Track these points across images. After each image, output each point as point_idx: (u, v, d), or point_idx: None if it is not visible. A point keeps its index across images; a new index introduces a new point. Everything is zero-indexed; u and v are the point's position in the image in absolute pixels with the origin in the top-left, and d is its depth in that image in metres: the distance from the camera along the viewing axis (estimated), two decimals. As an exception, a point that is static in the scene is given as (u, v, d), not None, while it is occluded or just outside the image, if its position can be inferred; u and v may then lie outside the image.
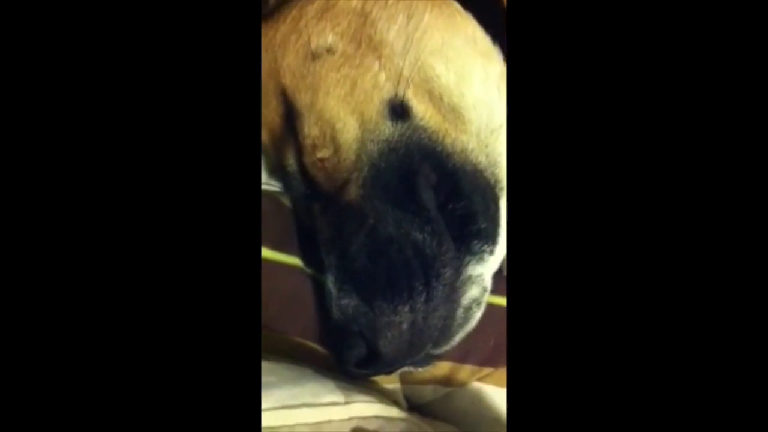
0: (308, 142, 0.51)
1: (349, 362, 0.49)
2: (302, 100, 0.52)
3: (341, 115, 0.51)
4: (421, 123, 0.51)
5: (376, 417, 0.48)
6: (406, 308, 0.48)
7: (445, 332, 0.50)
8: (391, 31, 0.52)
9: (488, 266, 0.51)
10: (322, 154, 0.51)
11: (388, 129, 0.51)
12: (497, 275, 0.53)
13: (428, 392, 0.58)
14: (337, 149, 0.51)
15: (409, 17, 0.52)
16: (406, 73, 0.51)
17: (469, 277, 0.50)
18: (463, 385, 0.58)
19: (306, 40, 0.52)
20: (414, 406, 0.58)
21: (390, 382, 0.57)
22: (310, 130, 0.51)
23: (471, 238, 0.50)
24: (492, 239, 0.51)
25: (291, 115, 0.52)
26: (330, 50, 0.52)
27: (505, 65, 0.54)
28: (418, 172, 0.51)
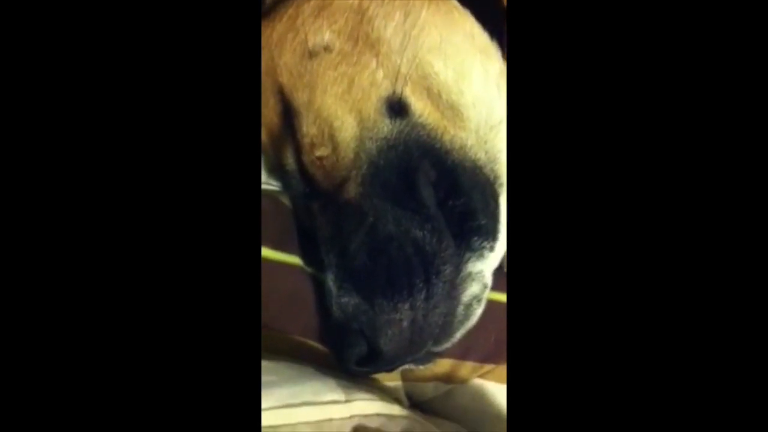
0: (306, 140, 0.51)
1: (349, 360, 0.49)
2: (300, 98, 0.51)
3: (339, 113, 0.51)
4: (420, 120, 0.51)
5: (378, 415, 0.48)
6: (407, 306, 0.48)
7: (446, 329, 0.50)
8: (389, 29, 0.51)
9: (488, 263, 0.51)
10: (321, 152, 0.51)
11: (386, 126, 0.51)
12: (498, 272, 0.53)
13: (429, 389, 0.58)
14: (335, 147, 0.51)
15: (407, 14, 0.52)
16: (403, 70, 0.51)
17: (469, 273, 0.50)
18: (464, 382, 0.58)
19: (303, 38, 0.52)
20: (415, 404, 0.58)
21: (391, 380, 0.57)
22: (308, 128, 0.51)
23: (471, 234, 0.50)
24: (492, 236, 0.51)
25: (289, 114, 0.52)
26: (327, 48, 0.51)
27: (504, 61, 0.53)
28: (417, 169, 0.51)
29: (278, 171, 0.55)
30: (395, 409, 0.50)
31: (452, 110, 0.51)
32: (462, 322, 0.51)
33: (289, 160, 0.53)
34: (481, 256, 0.51)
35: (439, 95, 0.51)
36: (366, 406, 0.48)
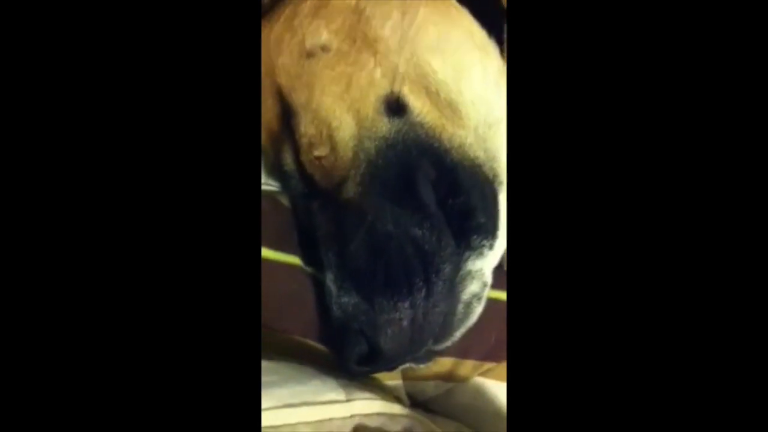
0: (305, 140, 0.51)
1: (350, 360, 0.49)
2: (298, 99, 0.51)
3: (337, 113, 0.51)
4: (418, 119, 0.51)
5: (378, 414, 0.48)
6: (406, 305, 0.48)
7: (446, 328, 0.50)
8: (386, 28, 0.51)
9: (488, 261, 0.51)
10: (319, 152, 0.51)
11: (384, 126, 0.51)
12: (497, 270, 0.53)
13: (430, 388, 0.58)
14: (333, 147, 0.51)
15: (404, 13, 0.52)
16: (401, 69, 0.51)
17: (469, 272, 0.50)
18: (465, 380, 0.58)
19: (300, 38, 0.52)
20: (416, 403, 0.58)
21: (391, 379, 0.57)
22: (307, 128, 0.51)
23: (470, 233, 0.50)
24: (491, 234, 0.51)
25: (287, 115, 0.52)
26: (325, 48, 0.51)
27: (503, 59, 0.53)
28: (416, 168, 0.51)
29: (277, 171, 0.55)
30: (396, 408, 0.50)
31: (451, 108, 0.51)
32: (462, 321, 0.51)
33: (288, 161, 0.53)
34: (481, 254, 0.51)
35: (438, 94, 0.51)
36: (366, 405, 0.48)
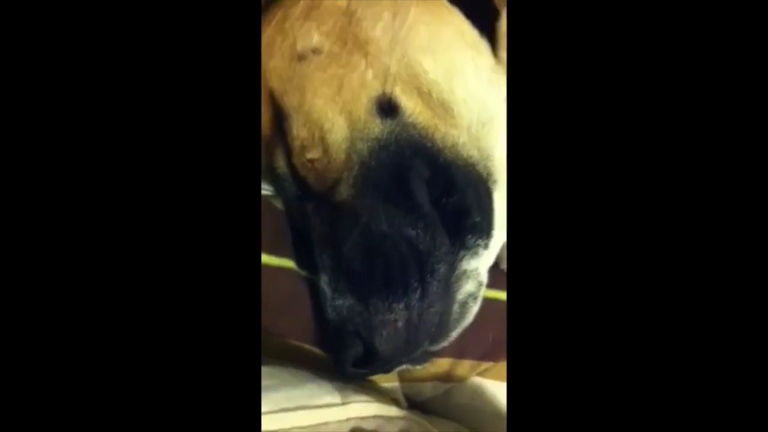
0: (297, 143, 0.51)
1: (346, 362, 0.49)
2: (290, 101, 0.51)
3: (329, 115, 0.51)
4: (411, 119, 0.51)
5: (375, 416, 0.48)
6: (401, 305, 0.48)
7: (442, 328, 0.50)
8: (377, 29, 0.51)
9: (483, 260, 0.51)
10: (312, 154, 0.51)
11: (377, 127, 0.51)
12: (493, 269, 0.53)
13: (428, 389, 0.58)
14: (326, 149, 0.51)
15: (395, 14, 0.52)
16: (393, 70, 0.51)
17: (464, 271, 0.50)
18: (462, 380, 0.58)
19: (292, 41, 0.52)
20: (414, 404, 0.58)
21: (388, 381, 0.57)
22: (299, 131, 0.51)
23: (465, 232, 0.50)
24: (486, 233, 0.51)
25: (279, 118, 0.52)
26: (316, 50, 0.51)
27: (495, 57, 0.53)
28: (409, 168, 0.51)
29: (270, 174, 0.55)
30: (393, 411, 0.50)
31: (443, 108, 0.51)
32: (458, 321, 0.51)
33: (281, 164, 0.53)
34: (476, 253, 0.51)
35: (430, 94, 0.51)
36: (363, 408, 0.48)
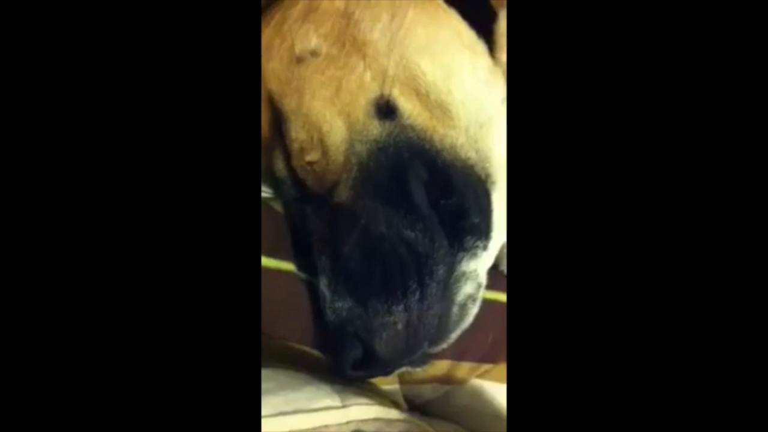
0: (296, 145, 0.51)
1: (345, 365, 0.49)
2: (288, 104, 0.51)
3: (328, 117, 0.51)
4: (409, 121, 0.51)
5: (375, 419, 0.48)
6: (401, 308, 0.48)
7: (441, 330, 0.50)
8: (375, 31, 0.51)
9: (482, 262, 0.51)
10: (311, 157, 0.51)
11: (375, 129, 0.51)
12: (492, 270, 0.53)
13: (428, 391, 0.58)
14: (325, 151, 0.51)
15: (393, 16, 0.52)
16: (391, 72, 0.51)
17: (463, 273, 0.50)
18: (462, 382, 0.57)
19: (290, 43, 0.52)
20: (415, 406, 0.58)
21: (388, 384, 0.56)
22: (297, 133, 0.51)
23: (464, 234, 0.50)
24: (485, 234, 0.51)
25: (278, 120, 0.52)
26: (314, 53, 0.51)
27: (493, 58, 0.53)
28: (408, 170, 0.51)
29: (269, 177, 0.55)
30: (393, 413, 0.50)
31: (441, 109, 0.51)
32: (457, 323, 0.51)
33: (280, 166, 0.53)
34: (475, 255, 0.51)
35: (428, 95, 0.51)
36: (363, 410, 0.48)
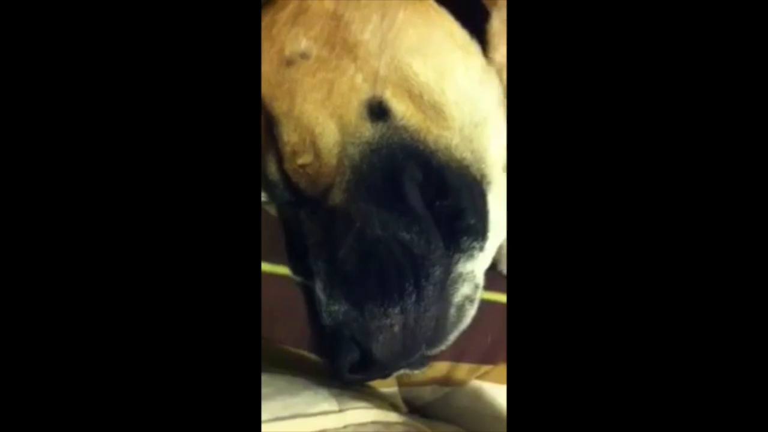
0: (288, 149, 0.51)
1: (343, 368, 0.49)
2: (279, 107, 0.51)
3: (320, 119, 0.50)
4: (402, 122, 0.51)
5: (373, 423, 0.48)
6: (397, 310, 0.48)
7: (439, 332, 0.50)
8: (365, 32, 0.51)
9: (479, 263, 0.51)
10: (303, 160, 0.51)
11: (368, 131, 0.51)
12: (490, 271, 0.53)
13: (427, 393, 0.58)
14: (317, 154, 0.51)
15: (383, 17, 0.51)
16: (382, 73, 0.51)
17: (460, 274, 0.50)
18: (462, 384, 0.57)
19: (280, 47, 0.51)
20: (414, 409, 0.58)
21: (387, 386, 0.56)
22: (289, 137, 0.51)
23: (460, 234, 0.50)
24: (481, 235, 0.51)
25: (269, 124, 0.52)
26: (304, 55, 0.51)
27: (486, 58, 0.53)
28: (402, 171, 0.50)
29: (262, 181, 0.55)
30: (391, 416, 0.49)
31: (435, 110, 0.51)
32: (455, 324, 0.51)
33: (272, 170, 0.53)
34: (471, 256, 0.50)
35: (421, 96, 0.51)
36: (361, 414, 0.48)
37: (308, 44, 0.51)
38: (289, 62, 0.51)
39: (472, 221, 0.50)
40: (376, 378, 0.53)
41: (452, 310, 0.50)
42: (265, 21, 0.53)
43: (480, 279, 0.51)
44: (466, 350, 0.55)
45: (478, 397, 0.57)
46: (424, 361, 0.52)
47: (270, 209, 0.56)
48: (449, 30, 0.53)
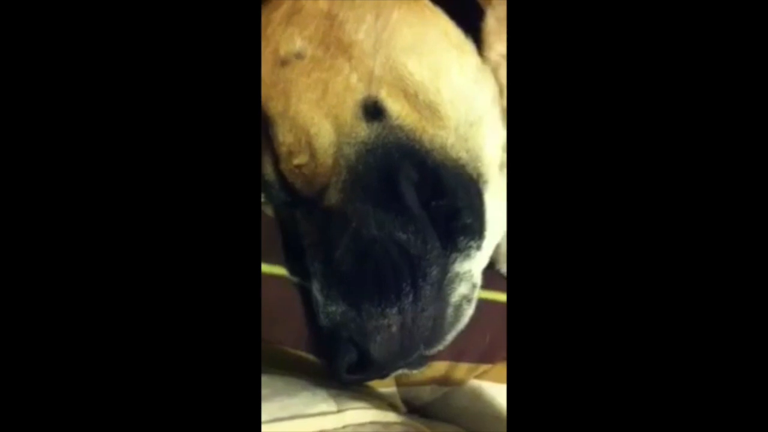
0: (284, 149, 0.51)
1: (341, 369, 0.49)
2: (275, 107, 0.51)
3: (315, 119, 0.50)
4: (397, 122, 0.51)
5: (372, 423, 0.48)
6: (395, 310, 0.48)
7: (437, 332, 0.50)
8: (360, 32, 0.51)
9: (476, 262, 0.51)
10: (299, 160, 0.51)
11: (363, 130, 0.50)
12: (488, 270, 0.53)
13: (426, 393, 0.57)
14: (313, 154, 0.50)
15: (378, 16, 0.51)
16: (377, 72, 0.51)
17: (457, 274, 0.50)
18: (461, 383, 0.57)
19: (274, 47, 0.51)
20: (413, 409, 0.57)
21: (386, 386, 0.56)
22: (285, 137, 0.51)
23: (456, 234, 0.50)
24: (478, 234, 0.51)
25: (265, 124, 0.52)
26: (299, 55, 0.51)
27: (481, 57, 0.53)
28: (398, 171, 0.50)
29: (258, 182, 0.55)
30: (390, 417, 0.49)
31: (430, 109, 0.51)
32: (452, 324, 0.50)
33: (268, 170, 0.53)
34: (468, 255, 0.50)
35: (416, 95, 0.51)
36: (359, 415, 0.48)
37: (303, 44, 0.51)
38: (284, 62, 0.51)
39: (469, 220, 0.50)
40: (375, 378, 0.52)
41: (450, 310, 0.50)
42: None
43: (477, 278, 0.51)
44: (464, 350, 0.55)
45: (477, 396, 0.56)
46: (423, 361, 0.52)
47: (266, 210, 0.56)
48: (444, 29, 0.53)
